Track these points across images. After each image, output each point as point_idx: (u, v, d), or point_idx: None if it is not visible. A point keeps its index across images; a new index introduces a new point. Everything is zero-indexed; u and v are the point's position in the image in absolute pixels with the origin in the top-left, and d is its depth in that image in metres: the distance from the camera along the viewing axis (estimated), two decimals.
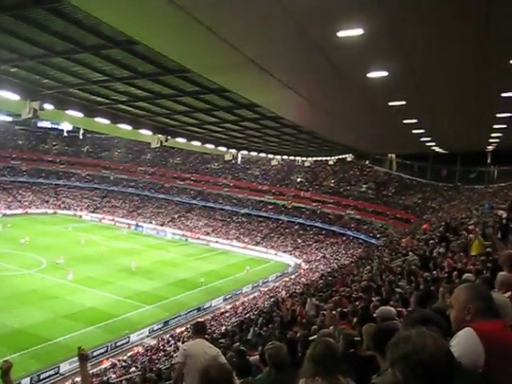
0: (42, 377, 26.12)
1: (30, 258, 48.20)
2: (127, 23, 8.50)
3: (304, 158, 50.50)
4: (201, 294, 44.10)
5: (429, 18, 6.98)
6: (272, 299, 37.71)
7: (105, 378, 24.94)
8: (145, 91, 16.34)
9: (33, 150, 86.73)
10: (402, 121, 18.05)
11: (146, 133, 22.97)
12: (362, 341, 5.54)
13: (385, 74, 10.18)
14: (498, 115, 16.90)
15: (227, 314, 38.36)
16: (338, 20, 7.04)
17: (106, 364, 28.43)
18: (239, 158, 38.48)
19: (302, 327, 11.53)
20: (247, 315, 33.07)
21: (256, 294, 46.37)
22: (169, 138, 23.72)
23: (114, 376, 24.90)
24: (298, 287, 41.46)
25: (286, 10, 6.61)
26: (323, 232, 67.35)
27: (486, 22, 7.18)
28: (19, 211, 72.76)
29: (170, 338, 32.97)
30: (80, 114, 17.99)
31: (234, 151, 34.12)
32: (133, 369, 25.43)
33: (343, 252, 59.54)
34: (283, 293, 41.81)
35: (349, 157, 52.82)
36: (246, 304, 41.98)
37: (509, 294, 4.64)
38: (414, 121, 18.04)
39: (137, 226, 72.43)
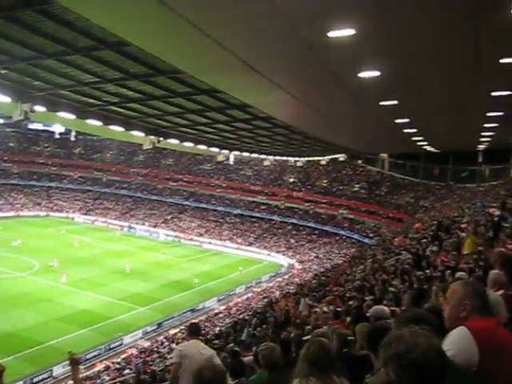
0: (35, 380, 25.97)
1: (23, 260, 47.91)
2: (118, 24, 8.46)
3: (296, 158, 50.53)
4: (194, 295, 44.02)
5: (421, 18, 7.00)
6: (265, 300, 37.75)
7: (98, 381, 24.89)
8: (136, 92, 16.29)
9: (24, 153, 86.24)
10: (394, 120, 18.10)
11: (138, 134, 22.87)
12: (355, 340, 5.56)
13: (377, 73, 10.20)
14: (489, 114, 16.98)
15: (221, 315, 38.37)
16: (329, 20, 7.03)
17: (100, 366, 28.32)
18: (231, 159, 38.46)
19: (296, 327, 11.55)
20: (241, 316, 33.06)
21: (249, 295, 46.38)
22: (161, 139, 23.64)
23: (107, 378, 24.82)
24: (292, 287, 41.52)
25: (276, 10, 6.61)
26: (316, 232, 67.50)
27: (477, 21, 7.22)
28: (11, 214, 72.30)
29: (164, 340, 32.92)
30: (72, 116, 17.90)
31: (226, 152, 34.11)
32: (127, 371, 25.36)
33: (336, 252, 59.69)
34: (277, 293, 41.85)
35: (341, 157, 52.94)
36: (240, 305, 41.99)
37: (501, 292, 4.67)
38: (407, 120, 18.09)
39: (130, 227, 72.16)
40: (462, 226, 18.53)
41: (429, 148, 36.43)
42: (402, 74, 10.82)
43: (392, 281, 13.10)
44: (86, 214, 78.64)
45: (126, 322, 35.33)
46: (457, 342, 2.60)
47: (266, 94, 14.49)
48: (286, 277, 53.65)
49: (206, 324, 34.43)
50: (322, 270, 45.49)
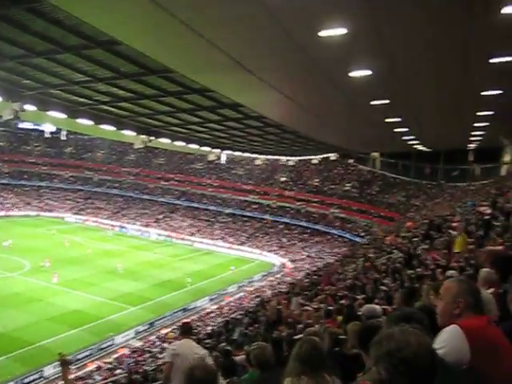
0: (25, 381, 25.78)
1: (13, 260, 47.59)
2: (108, 23, 8.42)
3: (288, 158, 50.55)
4: (186, 294, 43.93)
5: (412, 18, 7.03)
6: (257, 299, 37.75)
7: (90, 381, 24.79)
8: (127, 92, 16.21)
9: (14, 152, 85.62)
10: (385, 119, 18.15)
11: (129, 133, 22.80)
12: (347, 339, 5.57)
13: (368, 72, 10.23)
14: (479, 113, 17.09)
15: (213, 315, 38.38)
16: (320, 19, 7.04)
17: (92, 367, 28.21)
18: (223, 158, 38.40)
19: (288, 326, 11.55)
20: (233, 315, 33.05)
21: (241, 294, 46.37)
22: (152, 138, 23.59)
23: (99, 378, 24.73)
24: (284, 286, 41.51)
25: (267, 10, 6.61)
26: (308, 231, 67.58)
27: (468, 20, 7.25)
28: (1, 214, 71.62)
29: (156, 340, 32.85)
30: (62, 115, 17.82)
31: (217, 151, 34.06)
32: (118, 371, 25.29)
33: (328, 251, 59.84)
34: (269, 292, 41.87)
35: (333, 156, 52.93)
36: (232, 304, 41.99)
37: (491, 290, 4.70)
38: (398, 119, 18.16)
39: (121, 227, 71.88)
40: (453, 224, 18.59)
41: (420, 147, 36.58)
42: (393, 73, 10.86)
43: (383, 279, 13.16)
44: (77, 213, 78.15)
45: (118, 322, 35.18)
46: (449, 340, 2.61)
47: (257, 94, 14.49)
48: (278, 276, 53.68)
49: (198, 323, 34.40)
50: (314, 268, 45.49)
